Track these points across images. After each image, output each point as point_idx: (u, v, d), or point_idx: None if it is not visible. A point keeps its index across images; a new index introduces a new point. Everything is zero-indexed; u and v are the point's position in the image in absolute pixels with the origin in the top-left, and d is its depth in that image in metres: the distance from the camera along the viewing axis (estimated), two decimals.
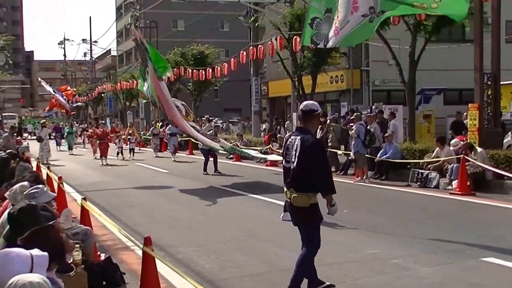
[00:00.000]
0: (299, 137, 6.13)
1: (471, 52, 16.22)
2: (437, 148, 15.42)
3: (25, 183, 6.72)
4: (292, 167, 6.11)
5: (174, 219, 11.68)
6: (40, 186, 6.43)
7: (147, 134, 36.30)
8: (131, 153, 28.19)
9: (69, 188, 15.44)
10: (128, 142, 29.41)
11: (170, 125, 29.08)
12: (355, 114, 18.46)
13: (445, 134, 22.64)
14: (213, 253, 8.38)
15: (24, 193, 6.20)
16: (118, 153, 27.82)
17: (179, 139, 29.28)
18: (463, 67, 24.21)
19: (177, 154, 27.76)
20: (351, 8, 9.98)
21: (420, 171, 15.51)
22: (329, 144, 19.52)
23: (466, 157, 13.88)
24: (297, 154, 6.05)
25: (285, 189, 6.25)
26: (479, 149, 14.29)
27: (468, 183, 13.68)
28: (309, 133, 6.23)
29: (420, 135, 21.69)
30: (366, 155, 16.61)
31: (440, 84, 27.61)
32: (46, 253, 3.43)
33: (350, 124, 18.50)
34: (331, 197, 6.14)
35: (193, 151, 30.27)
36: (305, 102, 6.46)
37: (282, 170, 6.50)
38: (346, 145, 19.53)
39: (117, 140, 29.14)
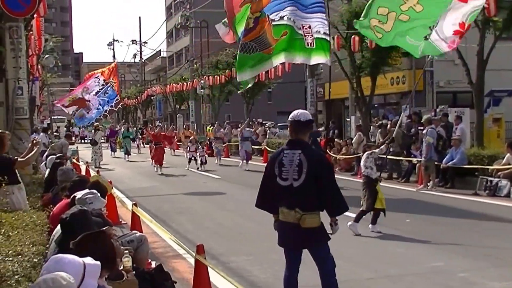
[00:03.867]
0: (298, 152, 5.73)
1: None
2: (508, 154, 15.04)
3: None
4: (293, 185, 5.70)
5: (225, 226, 11.78)
6: (94, 191, 6.58)
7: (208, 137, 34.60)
8: (202, 164, 24.76)
9: (118, 193, 15.73)
10: (189, 150, 25.71)
11: (244, 130, 26.90)
12: (425, 117, 18.20)
13: None
14: (266, 262, 8.41)
15: (77, 198, 6.36)
16: (190, 160, 25.07)
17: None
18: None
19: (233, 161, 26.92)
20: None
21: (489, 178, 15.15)
22: (391, 150, 19.33)
23: None
24: (303, 170, 5.65)
25: (285, 210, 5.78)
26: None
27: None
28: (307, 146, 5.92)
29: (489, 140, 21.18)
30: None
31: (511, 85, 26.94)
32: (98, 262, 3.52)
33: (420, 128, 18.23)
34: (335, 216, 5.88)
35: (229, 155, 30.28)
36: (300, 111, 6.00)
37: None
38: (408, 150, 19.27)
39: (189, 144, 26.03)
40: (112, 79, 34.98)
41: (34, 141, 8.51)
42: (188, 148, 25.84)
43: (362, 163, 10.74)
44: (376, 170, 10.76)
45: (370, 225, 10.38)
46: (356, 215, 10.25)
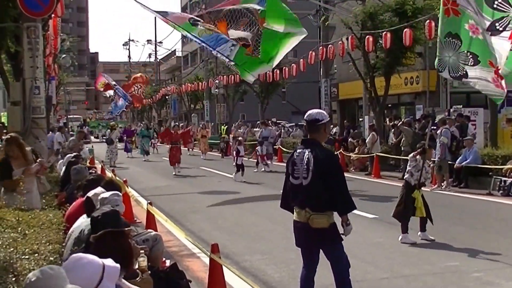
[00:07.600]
0: (308, 150, 5.74)
1: None
2: None
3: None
4: (303, 184, 5.70)
5: (239, 225, 11.74)
6: (119, 193, 6.54)
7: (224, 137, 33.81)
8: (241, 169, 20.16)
9: (133, 192, 15.77)
10: (237, 154, 20.39)
11: (262, 129, 26.83)
12: (440, 117, 18.08)
13: None
14: (281, 262, 8.37)
15: (101, 196, 6.31)
16: (238, 168, 20.24)
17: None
18: None
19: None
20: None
21: (503, 178, 15.04)
22: (402, 149, 19.33)
23: None
24: (310, 169, 5.64)
25: (297, 209, 5.79)
26: None
27: None
28: (318, 144, 5.85)
29: (503, 140, 21.02)
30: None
31: None
32: (118, 265, 3.48)
33: (434, 128, 18.12)
34: (347, 215, 5.77)
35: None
36: (315, 111, 6.03)
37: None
38: None
39: (237, 147, 20.84)
40: (138, 84, 36.43)
41: (39, 161, 8.57)
42: (236, 151, 20.65)
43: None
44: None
45: (419, 232, 9.75)
46: (401, 226, 9.68)
